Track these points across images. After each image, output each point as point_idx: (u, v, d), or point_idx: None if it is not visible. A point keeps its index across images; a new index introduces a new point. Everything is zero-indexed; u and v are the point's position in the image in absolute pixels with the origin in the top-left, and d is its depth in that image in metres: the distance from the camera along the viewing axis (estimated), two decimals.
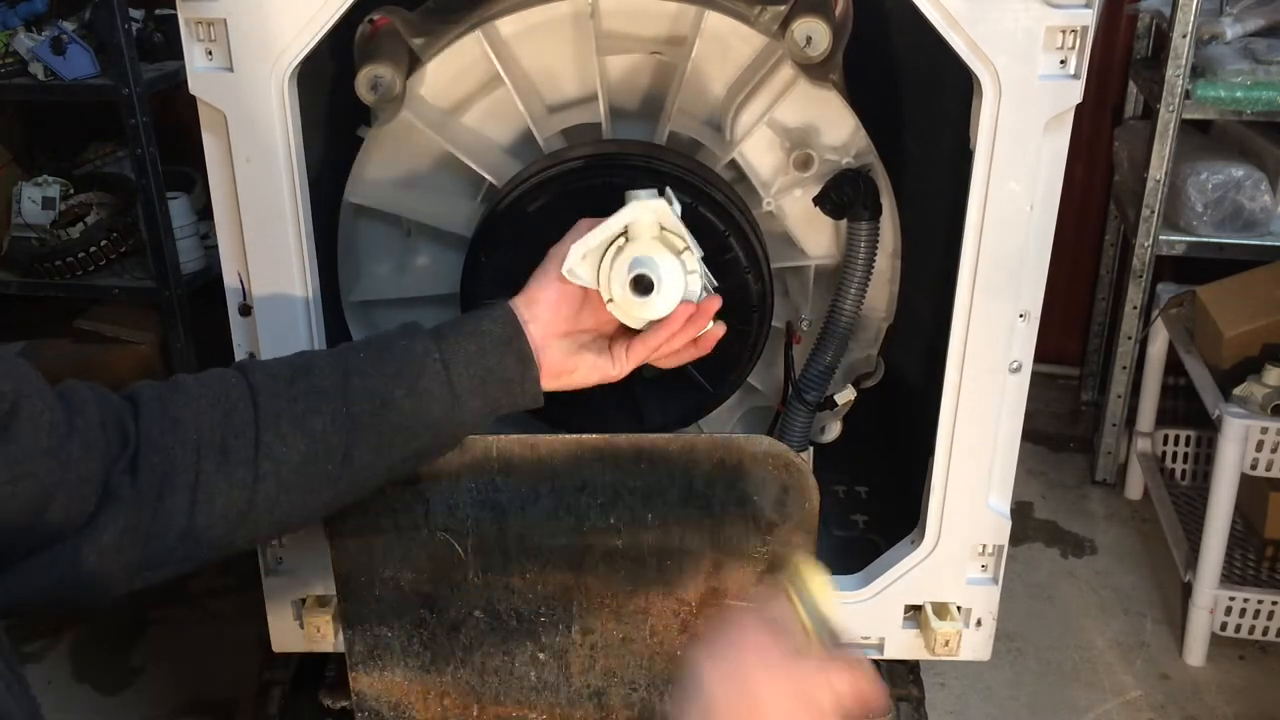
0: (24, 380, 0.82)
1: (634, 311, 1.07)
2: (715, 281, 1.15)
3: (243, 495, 0.92)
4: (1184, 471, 2.56)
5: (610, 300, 1.07)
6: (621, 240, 1.06)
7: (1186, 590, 2.15)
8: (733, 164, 1.42)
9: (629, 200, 1.08)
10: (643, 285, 1.05)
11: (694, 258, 1.08)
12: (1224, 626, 2.09)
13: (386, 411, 0.98)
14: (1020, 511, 2.55)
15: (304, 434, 0.95)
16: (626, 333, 1.12)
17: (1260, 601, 2.07)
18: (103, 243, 2.49)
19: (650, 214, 1.06)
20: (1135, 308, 2.47)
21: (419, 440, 1.02)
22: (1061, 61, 1.14)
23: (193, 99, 1.18)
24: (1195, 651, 2.13)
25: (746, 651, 0.77)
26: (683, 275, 1.07)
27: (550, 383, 1.08)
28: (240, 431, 0.92)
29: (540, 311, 1.06)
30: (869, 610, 1.39)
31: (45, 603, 0.84)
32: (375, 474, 1.01)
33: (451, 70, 1.38)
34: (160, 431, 0.89)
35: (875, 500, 1.64)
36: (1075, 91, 1.14)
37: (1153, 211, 2.34)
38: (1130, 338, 2.50)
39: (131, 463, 0.87)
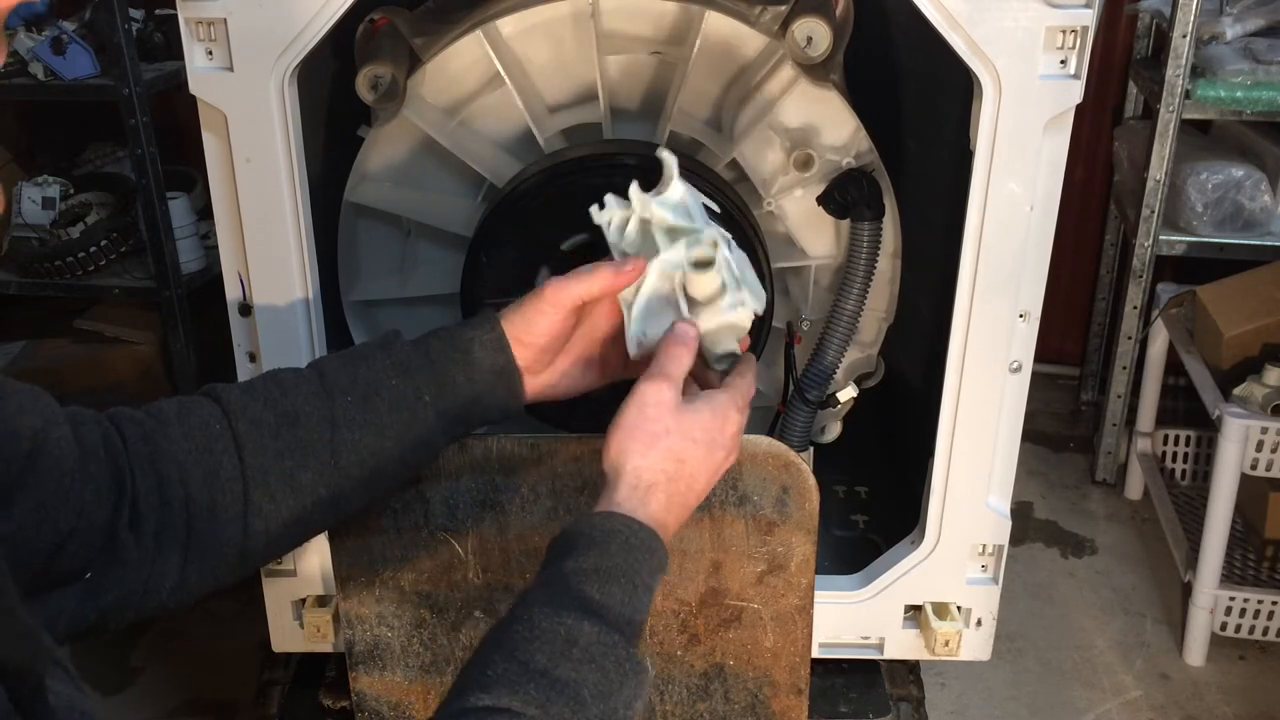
0: (50, 419, 0.81)
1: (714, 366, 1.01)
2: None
3: (234, 549, 0.91)
4: (1184, 471, 2.56)
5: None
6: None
7: (1186, 590, 2.15)
8: (733, 164, 1.42)
9: (660, 245, 0.98)
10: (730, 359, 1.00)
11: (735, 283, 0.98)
12: (1224, 626, 2.09)
13: (375, 461, 0.96)
14: (1020, 511, 2.54)
15: (292, 490, 0.93)
16: (612, 350, 1.07)
17: (1260, 601, 2.07)
18: (103, 243, 2.49)
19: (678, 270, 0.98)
20: (1135, 308, 2.47)
21: (403, 476, 1.02)
22: (1061, 61, 1.14)
23: (193, 99, 1.18)
24: (1195, 651, 2.13)
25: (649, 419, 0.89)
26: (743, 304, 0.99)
27: (533, 401, 1.05)
28: (228, 489, 0.90)
29: (530, 345, 1.00)
30: (869, 610, 1.39)
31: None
32: (360, 507, 1.01)
33: (452, 70, 1.38)
34: (149, 486, 0.87)
35: (875, 500, 1.64)
36: (1075, 91, 1.14)
37: (1153, 211, 2.34)
38: (1130, 338, 2.50)
39: (131, 517, 0.86)
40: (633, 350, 0.99)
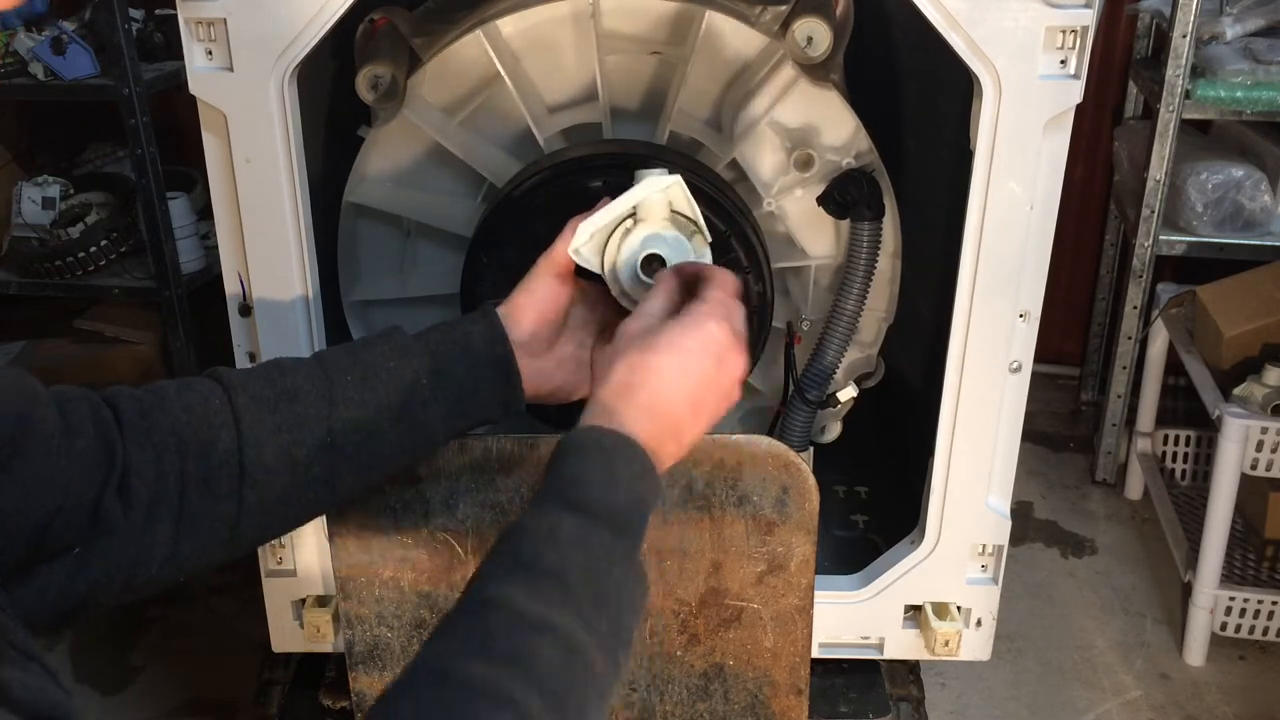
0: (34, 400, 0.81)
1: (640, 296, 1.02)
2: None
3: (225, 524, 0.91)
4: (1184, 471, 2.56)
5: (616, 285, 1.03)
6: (630, 222, 1.02)
7: (1186, 590, 2.15)
8: (733, 164, 1.42)
9: (639, 179, 1.04)
10: (653, 267, 1.01)
11: (704, 244, 1.04)
12: (1224, 626, 2.09)
13: (371, 442, 0.96)
14: (1020, 511, 2.55)
15: (288, 465, 0.93)
16: (603, 349, 1.08)
17: (1260, 601, 2.07)
18: (103, 243, 2.49)
19: (661, 193, 1.02)
20: (1135, 308, 2.47)
21: (400, 463, 1.02)
22: (1061, 61, 1.14)
23: (193, 99, 1.18)
24: (1195, 651, 2.13)
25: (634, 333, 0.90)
26: (692, 259, 1.03)
27: (532, 398, 1.05)
28: (224, 462, 0.90)
29: (524, 329, 1.02)
30: (869, 610, 1.39)
31: (32, 620, 0.84)
32: (355, 492, 1.01)
33: (452, 70, 1.38)
34: (144, 459, 0.87)
35: (875, 500, 1.64)
36: (1075, 91, 1.14)
37: (1153, 211, 2.34)
38: (1130, 338, 2.50)
39: (120, 488, 0.86)
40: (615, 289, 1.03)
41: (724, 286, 0.94)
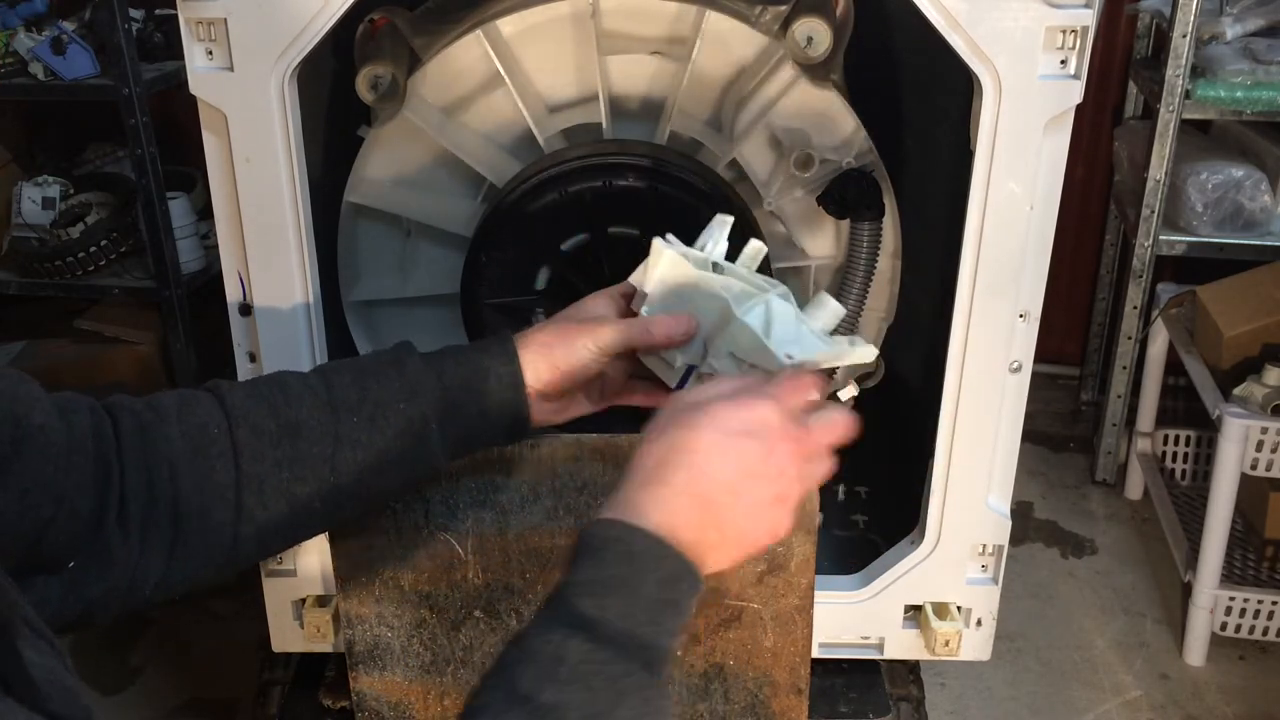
0: (33, 405, 0.80)
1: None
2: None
3: (220, 551, 0.91)
4: (1184, 471, 2.56)
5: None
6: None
7: (1186, 590, 2.15)
8: (733, 164, 1.42)
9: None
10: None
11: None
12: (1224, 626, 2.09)
13: (375, 478, 0.95)
14: (1020, 511, 2.54)
15: (287, 501, 0.92)
16: (612, 374, 1.05)
17: (1260, 601, 2.07)
18: (103, 243, 2.49)
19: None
20: (1135, 308, 2.47)
21: (402, 492, 1.01)
22: (1062, 61, 1.14)
23: (193, 99, 1.18)
24: (1195, 651, 2.13)
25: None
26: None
27: (537, 427, 1.04)
28: (220, 495, 0.89)
29: (542, 380, 0.98)
30: (869, 610, 1.39)
31: None
32: (355, 518, 1.00)
33: (452, 70, 1.38)
34: (138, 483, 0.86)
35: (875, 500, 1.64)
36: (1075, 91, 1.14)
37: (1153, 211, 2.34)
38: (1130, 338, 2.50)
39: (119, 512, 0.85)
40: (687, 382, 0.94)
41: (797, 391, 0.85)
